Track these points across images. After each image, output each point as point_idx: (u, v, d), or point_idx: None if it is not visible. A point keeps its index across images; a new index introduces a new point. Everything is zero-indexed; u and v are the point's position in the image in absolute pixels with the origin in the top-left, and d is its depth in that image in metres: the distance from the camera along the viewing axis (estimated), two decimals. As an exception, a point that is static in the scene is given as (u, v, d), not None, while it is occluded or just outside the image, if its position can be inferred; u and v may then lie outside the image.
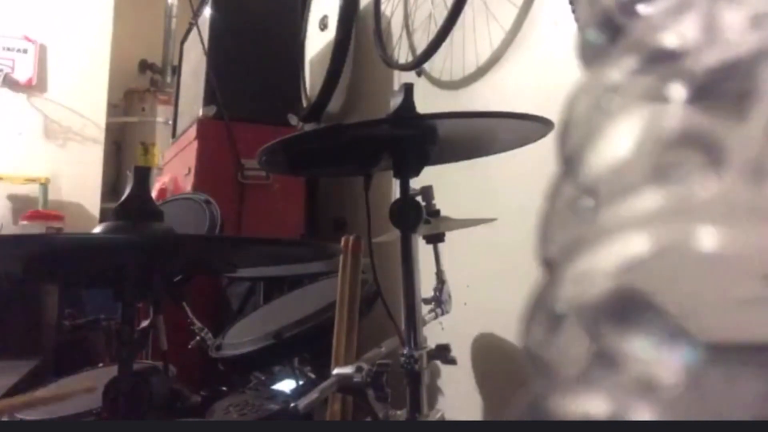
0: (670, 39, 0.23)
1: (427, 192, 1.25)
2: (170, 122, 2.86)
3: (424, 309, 1.26)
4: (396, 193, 0.93)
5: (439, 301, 1.32)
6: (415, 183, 0.98)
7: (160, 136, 3.62)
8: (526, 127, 0.85)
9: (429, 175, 0.99)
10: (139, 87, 3.84)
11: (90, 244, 0.77)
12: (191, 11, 2.33)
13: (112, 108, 3.57)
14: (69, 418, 1.04)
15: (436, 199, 1.27)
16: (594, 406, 0.21)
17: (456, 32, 1.64)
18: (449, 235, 1.30)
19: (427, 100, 1.68)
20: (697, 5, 0.23)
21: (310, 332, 1.17)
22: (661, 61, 0.23)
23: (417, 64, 1.84)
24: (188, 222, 1.47)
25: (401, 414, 0.89)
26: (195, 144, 2.09)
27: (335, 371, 0.83)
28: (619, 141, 0.23)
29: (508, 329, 1.40)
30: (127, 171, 0.91)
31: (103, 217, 3.16)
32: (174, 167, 2.35)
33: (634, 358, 0.20)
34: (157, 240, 0.78)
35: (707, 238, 0.19)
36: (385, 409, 0.84)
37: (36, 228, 2.83)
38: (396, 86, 2.08)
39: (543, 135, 0.83)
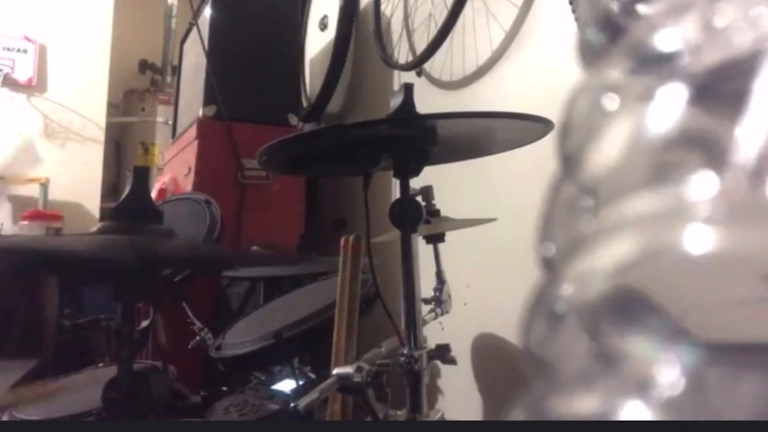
0: (670, 39, 0.23)
1: (427, 192, 1.25)
2: (170, 122, 2.86)
3: (424, 309, 1.25)
4: (396, 193, 0.93)
5: (439, 301, 1.32)
6: (415, 183, 0.98)
7: (160, 136, 3.61)
8: (525, 127, 0.85)
9: (429, 175, 0.99)
10: (139, 87, 3.84)
11: (88, 245, 0.77)
12: (191, 11, 2.32)
13: (112, 108, 3.56)
14: (69, 418, 1.04)
15: (436, 199, 1.27)
16: (594, 406, 0.21)
17: (456, 32, 1.64)
18: (449, 235, 1.31)
19: (427, 100, 1.68)
20: (697, 5, 0.23)
21: (310, 332, 1.17)
22: (661, 61, 0.23)
23: (417, 64, 1.84)
24: (188, 222, 1.47)
25: (401, 414, 0.89)
26: (195, 144, 2.09)
27: (335, 371, 0.83)
28: (619, 141, 0.23)
29: (508, 329, 1.40)
30: (127, 171, 0.91)
31: (103, 217, 3.16)
32: (174, 167, 2.35)
33: (634, 358, 0.20)
34: (149, 242, 0.78)
35: (707, 238, 0.19)
36: (385, 409, 0.84)
37: (36, 228, 2.83)
38: (396, 86, 2.08)
39: (543, 135, 0.83)
